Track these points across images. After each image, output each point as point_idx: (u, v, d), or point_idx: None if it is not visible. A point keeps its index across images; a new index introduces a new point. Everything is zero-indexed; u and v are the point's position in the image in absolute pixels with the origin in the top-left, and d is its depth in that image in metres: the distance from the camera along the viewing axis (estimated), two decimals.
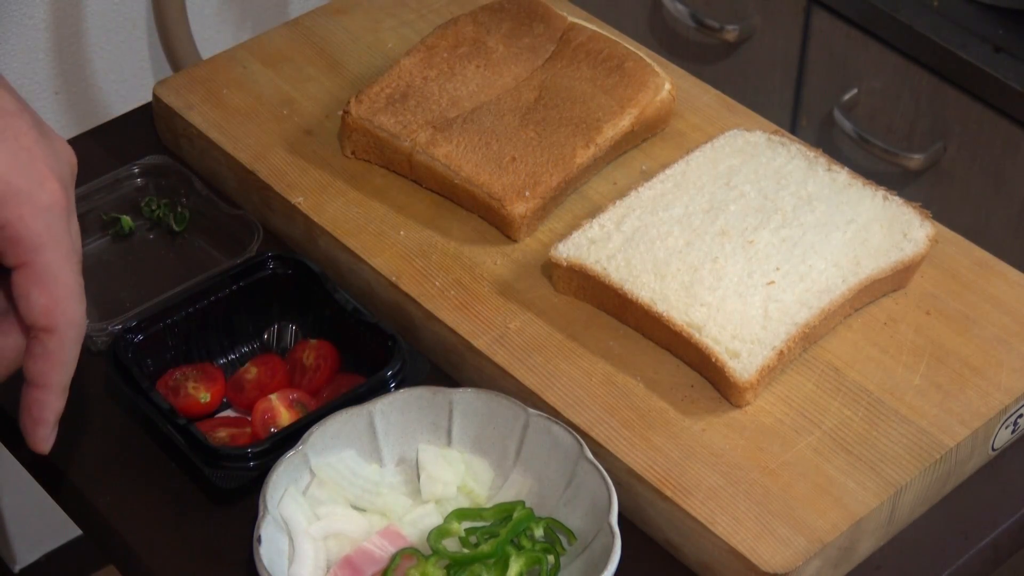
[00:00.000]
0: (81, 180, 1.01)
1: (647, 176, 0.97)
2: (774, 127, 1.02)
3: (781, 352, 0.86)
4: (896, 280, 0.92)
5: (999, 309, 0.92)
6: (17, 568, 1.86)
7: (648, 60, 1.03)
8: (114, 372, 0.88)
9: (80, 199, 1.00)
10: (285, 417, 0.87)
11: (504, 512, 0.82)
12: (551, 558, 0.80)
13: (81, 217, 0.99)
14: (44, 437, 0.75)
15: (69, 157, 0.73)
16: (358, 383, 0.87)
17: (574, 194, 0.99)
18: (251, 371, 0.91)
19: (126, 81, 1.59)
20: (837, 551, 0.81)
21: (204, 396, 0.89)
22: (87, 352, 0.93)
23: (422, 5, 1.14)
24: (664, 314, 0.87)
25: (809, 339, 0.88)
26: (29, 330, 0.72)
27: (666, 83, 1.02)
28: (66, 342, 0.72)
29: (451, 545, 0.81)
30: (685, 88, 1.07)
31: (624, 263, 0.90)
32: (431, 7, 1.13)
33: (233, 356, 0.93)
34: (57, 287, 0.71)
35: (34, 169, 0.69)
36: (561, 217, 0.97)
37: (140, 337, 0.89)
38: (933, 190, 1.54)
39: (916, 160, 1.52)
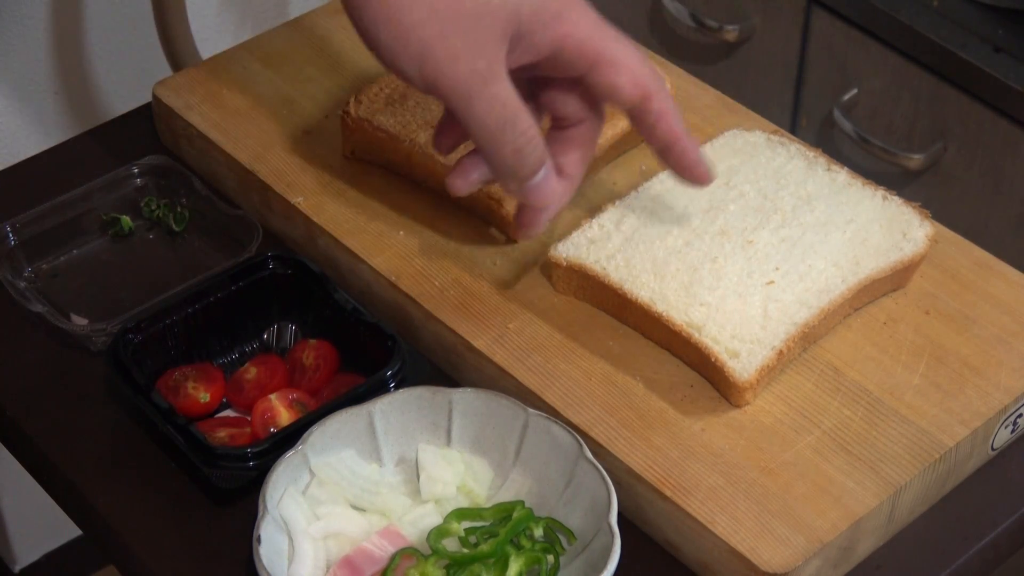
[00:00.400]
0: (81, 180, 1.02)
1: (647, 176, 0.97)
2: (774, 127, 1.02)
3: (781, 352, 0.86)
4: (896, 280, 0.92)
5: (999, 309, 0.92)
6: (17, 568, 1.86)
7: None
8: (114, 372, 0.88)
9: (80, 199, 1.01)
10: (285, 417, 0.87)
11: (504, 512, 0.82)
12: (551, 558, 0.80)
13: (81, 217, 1.00)
14: (706, 171, 0.85)
15: None
16: (358, 383, 0.87)
17: (574, 194, 0.99)
18: (251, 371, 0.91)
19: (126, 81, 1.59)
20: (837, 551, 0.81)
21: (204, 396, 0.89)
22: (87, 352, 0.93)
23: None
24: (663, 314, 0.87)
25: (809, 339, 0.88)
26: (629, 110, 0.82)
27: (666, 83, 1.02)
28: (664, 98, 0.82)
29: (451, 545, 0.81)
30: (685, 88, 1.07)
31: (623, 263, 0.90)
32: None
33: (233, 356, 0.93)
34: (628, 62, 0.80)
35: None
36: (561, 217, 0.97)
37: (140, 337, 0.89)
38: (933, 190, 1.54)
39: (916, 160, 1.52)
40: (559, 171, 0.83)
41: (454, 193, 0.84)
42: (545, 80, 0.83)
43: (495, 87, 0.77)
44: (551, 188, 0.82)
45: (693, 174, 0.86)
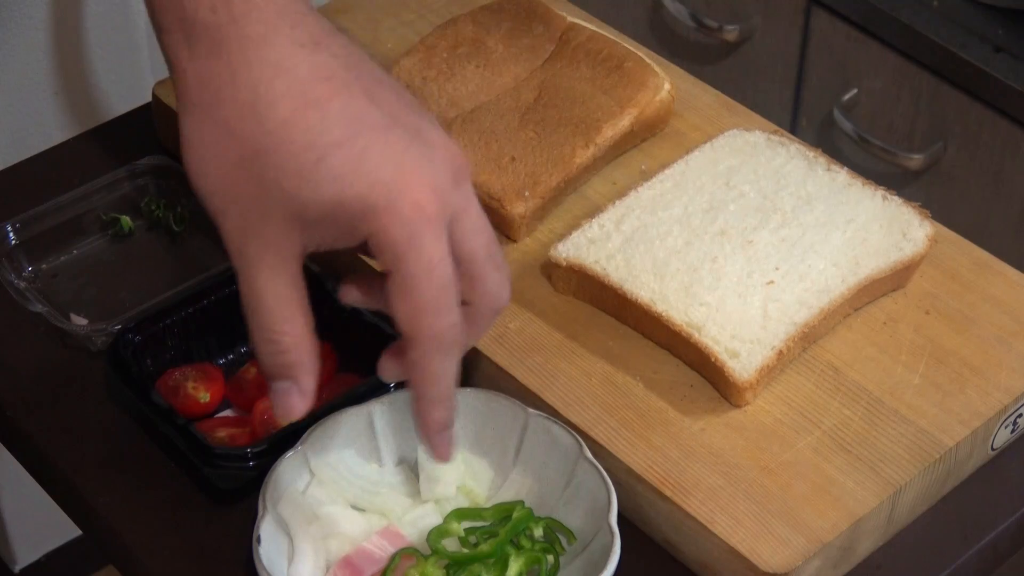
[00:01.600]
0: (81, 180, 1.02)
1: (647, 176, 0.97)
2: (774, 127, 1.02)
3: (781, 352, 0.86)
4: (895, 280, 0.92)
5: (999, 309, 0.92)
6: (17, 568, 1.86)
7: (648, 60, 1.03)
8: (114, 372, 0.88)
9: (80, 199, 1.00)
10: None
11: (503, 512, 0.82)
12: (550, 558, 0.80)
13: (80, 217, 1.00)
14: (439, 445, 0.75)
15: (448, 160, 0.71)
16: (358, 383, 0.87)
17: (574, 194, 0.99)
18: (251, 371, 0.91)
19: (126, 81, 1.59)
20: (837, 551, 0.81)
21: (204, 396, 0.89)
22: (87, 352, 0.93)
23: (421, 5, 1.14)
24: (663, 314, 0.87)
25: (808, 339, 0.88)
26: (400, 335, 0.72)
27: (666, 83, 1.02)
28: (426, 353, 0.71)
29: (451, 545, 0.81)
30: (685, 88, 1.07)
31: (623, 263, 0.90)
32: (431, 7, 1.13)
33: (233, 356, 0.93)
34: (413, 298, 0.70)
35: (399, 180, 0.68)
36: (561, 217, 0.97)
37: (140, 337, 0.89)
38: (933, 190, 1.54)
39: (916, 160, 1.52)
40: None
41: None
42: None
43: (251, 275, 0.71)
44: (281, 405, 0.73)
45: (426, 440, 0.75)
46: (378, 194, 0.68)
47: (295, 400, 0.73)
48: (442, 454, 0.75)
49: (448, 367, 0.73)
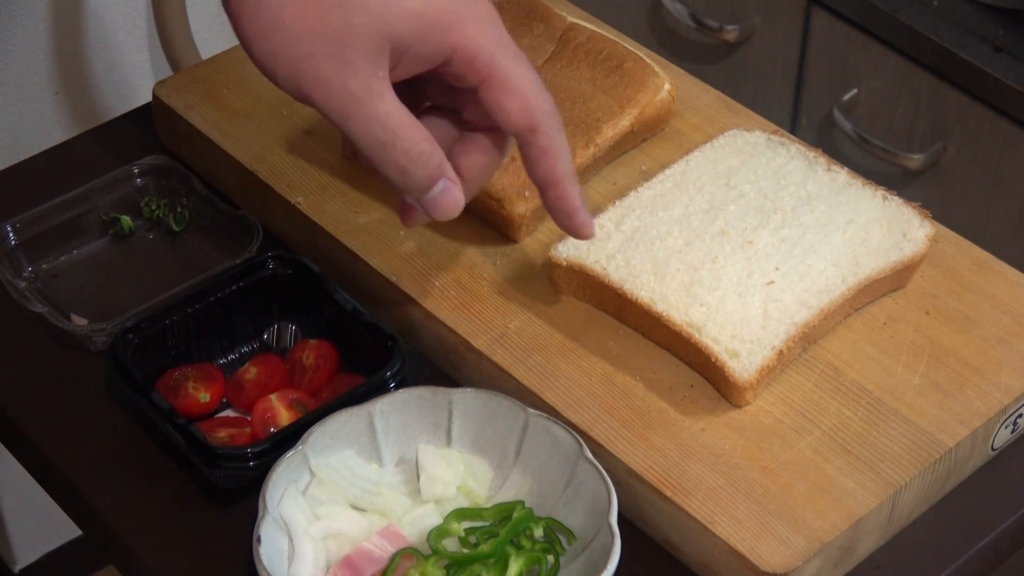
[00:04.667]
0: (81, 180, 1.02)
1: (647, 176, 0.97)
2: (774, 127, 1.02)
3: (781, 352, 0.86)
4: (896, 280, 0.92)
5: (999, 309, 0.92)
6: (17, 568, 1.86)
7: (648, 60, 1.03)
8: (114, 372, 0.88)
9: (80, 199, 1.00)
10: (285, 417, 0.87)
11: (504, 512, 0.82)
12: (551, 558, 0.80)
13: (81, 217, 1.00)
14: (584, 222, 0.81)
15: None
16: (358, 383, 0.87)
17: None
18: (251, 371, 0.91)
19: (126, 81, 1.59)
20: (837, 551, 0.81)
21: (204, 396, 0.89)
22: (87, 352, 0.93)
23: None
24: (664, 314, 0.87)
25: (809, 339, 0.89)
26: (515, 137, 0.79)
27: (666, 83, 1.02)
28: (551, 132, 0.78)
29: (451, 545, 0.81)
30: (685, 88, 1.07)
31: (624, 263, 0.90)
32: None
33: (233, 356, 0.93)
34: (522, 86, 0.77)
35: None
36: None
37: (140, 337, 0.89)
38: (933, 190, 1.55)
39: (916, 160, 1.52)
40: (458, 171, 0.81)
41: (406, 225, 0.83)
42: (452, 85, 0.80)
43: (370, 107, 0.75)
44: (450, 201, 0.79)
45: (569, 223, 0.81)
46: (458, 3, 0.75)
47: (457, 191, 0.79)
48: (588, 230, 0.81)
49: (566, 145, 0.80)
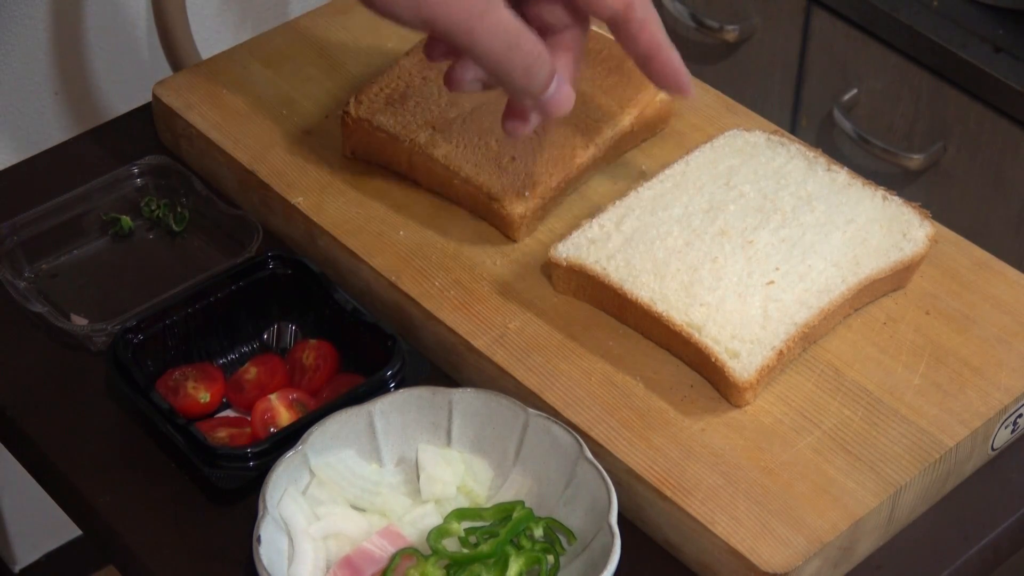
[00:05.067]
0: (81, 180, 1.02)
1: (647, 176, 0.97)
2: (774, 127, 1.02)
3: (781, 352, 0.86)
4: (896, 280, 0.92)
5: (999, 309, 0.92)
6: (17, 568, 1.86)
7: None
8: (114, 372, 0.88)
9: (80, 199, 1.01)
10: (285, 417, 0.87)
11: (504, 512, 0.82)
12: (551, 558, 0.80)
13: (81, 217, 1.00)
14: (688, 82, 0.87)
15: None
16: (358, 383, 0.87)
17: (574, 194, 0.99)
18: (251, 371, 0.91)
19: (126, 81, 1.59)
20: (837, 551, 0.81)
21: (204, 396, 0.89)
22: (87, 352, 0.93)
23: None
24: (664, 314, 0.87)
25: (809, 339, 0.89)
26: (610, 20, 0.83)
27: None
28: (645, 4, 0.83)
29: (451, 545, 0.81)
30: None
31: (624, 263, 0.90)
32: None
33: (233, 356, 0.93)
34: None
35: None
36: (561, 217, 0.97)
37: (140, 337, 0.89)
38: (933, 190, 1.55)
39: (916, 160, 1.52)
40: (558, 45, 0.85)
41: (452, 90, 0.85)
42: None
43: (493, 14, 0.78)
44: (565, 96, 0.83)
45: (674, 83, 0.86)
46: None
47: (568, 88, 0.83)
48: (692, 89, 0.87)
49: (658, 15, 0.84)
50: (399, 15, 0.79)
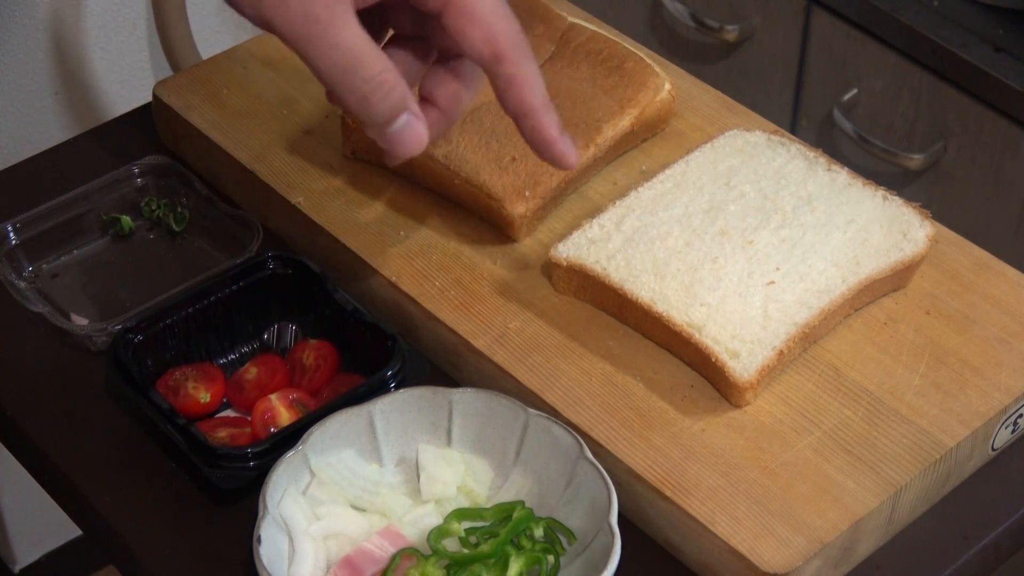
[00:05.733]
0: (81, 180, 1.02)
1: (647, 176, 0.97)
2: (774, 127, 1.02)
3: (781, 352, 0.86)
4: (896, 280, 0.92)
5: (999, 309, 0.92)
6: (17, 568, 1.86)
7: (648, 60, 1.03)
8: (114, 372, 0.88)
9: (80, 199, 1.00)
10: (285, 417, 0.87)
11: (504, 512, 0.82)
12: (551, 558, 0.80)
13: (81, 217, 1.00)
14: (563, 151, 0.78)
15: None
16: (358, 383, 0.87)
17: (574, 194, 0.99)
18: (251, 371, 0.91)
19: (126, 81, 1.59)
20: (837, 551, 0.81)
21: (204, 396, 0.89)
22: (87, 352, 0.93)
23: None
24: (664, 314, 0.87)
25: (809, 339, 0.88)
26: (482, 67, 0.76)
27: (666, 83, 1.02)
28: (519, 61, 0.75)
29: (451, 545, 0.81)
30: (685, 88, 1.07)
31: (624, 263, 0.90)
32: None
33: (233, 356, 0.93)
34: (485, 14, 0.74)
35: None
36: (561, 217, 0.97)
37: (140, 337, 0.89)
38: (933, 190, 1.55)
39: (916, 160, 1.52)
40: (433, 102, 0.79)
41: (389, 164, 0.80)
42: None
43: (333, 31, 0.72)
44: (413, 136, 0.76)
45: (549, 153, 0.79)
46: None
47: (420, 127, 0.76)
48: (569, 158, 0.79)
49: (538, 73, 0.77)
50: (242, 11, 0.74)
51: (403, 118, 0.76)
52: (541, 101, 0.77)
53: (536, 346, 0.89)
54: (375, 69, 0.74)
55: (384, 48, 0.79)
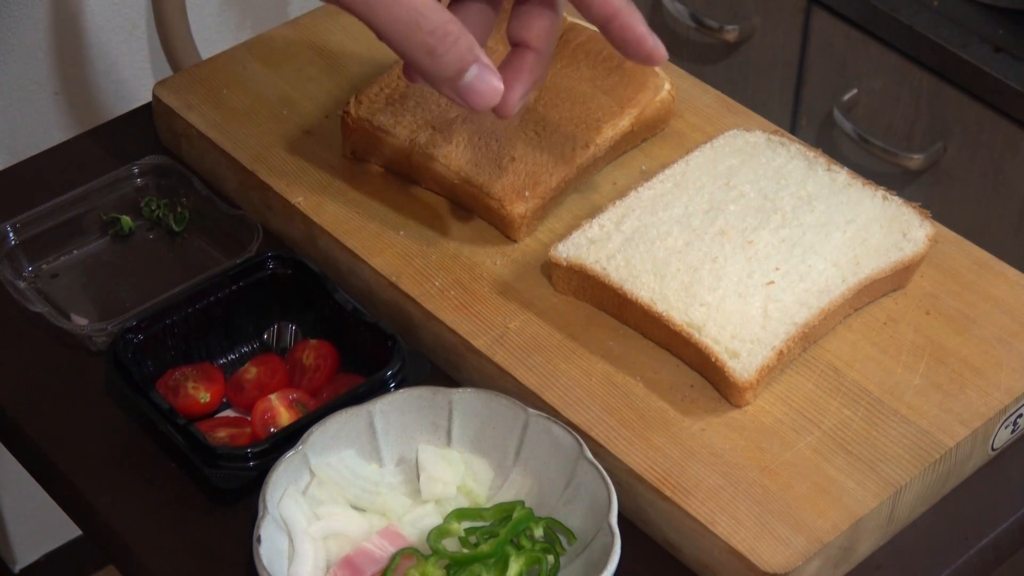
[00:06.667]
0: (81, 180, 1.02)
1: (647, 176, 0.97)
2: (774, 127, 1.02)
3: (781, 352, 0.86)
4: (896, 280, 0.92)
5: (999, 309, 0.92)
6: (17, 568, 1.86)
7: None
8: (114, 372, 0.88)
9: (80, 199, 1.01)
10: (285, 417, 0.87)
11: (504, 512, 0.82)
12: (551, 558, 0.80)
13: (81, 217, 1.00)
14: (655, 46, 0.79)
15: None
16: (358, 383, 0.87)
17: (574, 194, 0.99)
18: (251, 371, 0.91)
19: (126, 81, 1.59)
20: (837, 551, 0.81)
21: (204, 396, 0.89)
22: (87, 352, 0.93)
23: None
24: (664, 314, 0.87)
25: (809, 339, 0.89)
26: None
27: (666, 83, 1.02)
28: None
29: (451, 545, 0.81)
30: (685, 88, 1.07)
31: (624, 263, 0.90)
32: None
33: (233, 356, 0.93)
34: None
35: None
36: (561, 217, 0.97)
37: (140, 337, 0.89)
38: (933, 190, 1.55)
39: (916, 160, 1.52)
40: (525, 44, 0.79)
41: (413, 83, 0.80)
42: None
43: None
44: (487, 87, 0.75)
45: (638, 52, 0.79)
46: None
47: (493, 77, 0.75)
48: (661, 53, 0.79)
49: None
50: None
51: (473, 70, 0.75)
52: (625, 3, 0.78)
53: (536, 346, 0.89)
54: (437, 21, 0.73)
55: (449, 6, 0.79)
